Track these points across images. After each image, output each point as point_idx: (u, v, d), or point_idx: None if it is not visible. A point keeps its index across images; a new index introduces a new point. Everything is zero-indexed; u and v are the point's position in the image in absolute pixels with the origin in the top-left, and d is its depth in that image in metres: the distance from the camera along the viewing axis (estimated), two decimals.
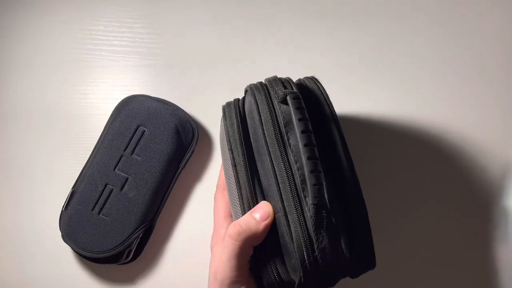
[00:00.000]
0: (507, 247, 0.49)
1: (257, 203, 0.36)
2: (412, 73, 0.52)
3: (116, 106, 0.50)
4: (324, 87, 0.40)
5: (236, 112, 0.39)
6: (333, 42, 0.52)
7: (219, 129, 0.42)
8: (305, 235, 0.33)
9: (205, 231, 0.48)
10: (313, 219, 0.33)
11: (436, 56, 0.52)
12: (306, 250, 0.33)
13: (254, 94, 0.38)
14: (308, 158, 0.33)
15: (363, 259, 0.35)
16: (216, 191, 0.44)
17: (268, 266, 0.36)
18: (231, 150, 0.38)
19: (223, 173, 0.43)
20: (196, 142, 0.49)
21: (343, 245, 0.34)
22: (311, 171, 0.33)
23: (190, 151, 0.49)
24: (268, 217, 0.35)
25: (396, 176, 0.50)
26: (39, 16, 0.53)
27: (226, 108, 0.40)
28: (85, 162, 0.49)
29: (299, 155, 0.34)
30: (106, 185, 0.47)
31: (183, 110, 0.49)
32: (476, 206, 0.49)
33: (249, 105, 0.39)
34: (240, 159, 0.37)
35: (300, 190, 0.34)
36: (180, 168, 0.48)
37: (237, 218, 0.38)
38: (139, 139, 0.48)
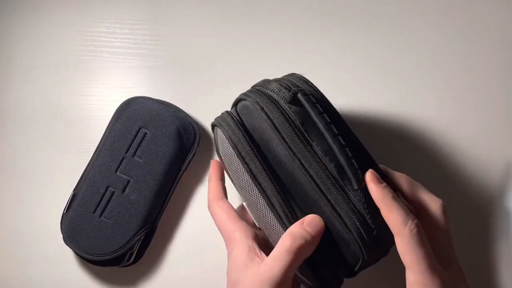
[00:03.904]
0: (508, 247, 0.49)
1: (291, 208, 0.36)
2: (412, 74, 0.52)
3: (118, 108, 0.49)
4: (317, 85, 0.40)
5: (237, 124, 0.38)
6: (336, 44, 0.52)
7: (218, 138, 0.40)
8: (360, 219, 0.35)
9: (207, 233, 0.48)
10: (363, 202, 0.35)
11: (436, 57, 0.52)
12: (364, 231, 0.35)
13: (258, 102, 0.37)
14: (341, 147, 0.35)
15: None
16: (209, 204, 0.41)
17: (327, 265, 0.36)
18: (245, 163, 0.37)
19: (213, 184, 0.42)
20: (198, 144, 0.49)
21: None
22: (347, 159, 0.35)
23: (192, 153, 0.48)
24: (321, 230, 0.35)
25: None
26: (40, 18, 0.53)
27: (223, 122, 0.39)
28: (86, 164, 0.49)
29: (327, 147, 0.36)
30: (107, 187, 0.47)
31: (184, 112, 0.49)
32: (476, 207, 0.49)
33: (248, 113, 0.38)
34: (259, 169, 0.37)
35: (339, 180, 0.35)
36: (182, 170, 0.48)
37: (271, 224, 0.37)
38: (141, 141, 0.47)
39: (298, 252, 0.35)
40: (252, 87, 0.41)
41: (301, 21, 0.53)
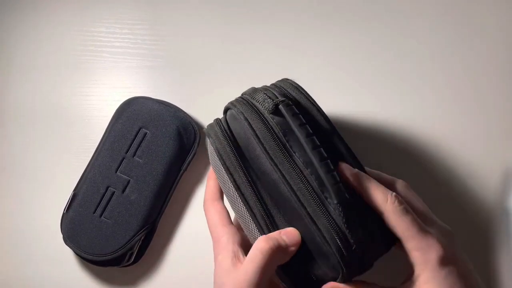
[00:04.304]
0: (508, 247, 0.49)
1: (272, 217, 0.37)
2: (411, 74, 0.51)
3: (118, 108, 0.49)
4: (310, 88, 0.40)
5: (224, 134, 0.38)
6: (336, 44, 0.52)
7: (208, 148, 0.41)
8: (339, 233, 0.34)
9: (207, 233, 0.48)
10: (342, 217, 0.34)
11: (436, 57, 0.52)
12: (343, 246, 0.34)
13: (242, 112, 0.38)
14: (320, 160, 0.35)
15: (384, 238, 0.37)
16: (204, 204, 0.42)
17: (307, 275, 0.36)
18: (230, 173, 0.37)
19: (211, 184, 0.42)
20: (198, 144, 0.49)
21: (370, 230, 0.36)
22: (327, 172, 0.35)
23: (192, 153, 0.48)
24: (296, 243, 0.36)
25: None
26: (40, 18, 0.53)
27: (211, 131, 0.39)
28: (86, 164, 0.49)
29: (308, 159, 0.35)
30: (107, 187, 0.47)
31: (184, 112, 0.49)
32: (476, 207, 0.49)
33: (235, 122, 0.38)
34: (243, 180, 0.37)
35: (319, 193, 0.35)
36: (182, 170, 0.48)
37: (252, 233, 0.38)
38: (141, 142, 0.47)
39: (271, 254, 0.35)
40: (241, 94, 0.41)
41: (301, 21, 0.53)
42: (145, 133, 0.48)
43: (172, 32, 0.52)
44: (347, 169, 0.37)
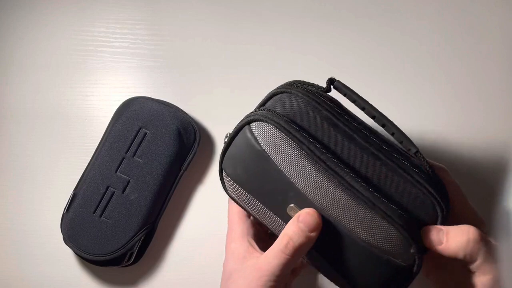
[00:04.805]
0: (508, 247, 0.49)
1: (366, 180, 0.35)
2: (412, 74, 0.52)
3: (118, 108, 0.49)
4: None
5: (278, 114, 0.36)
6: (336, 44, 0.52)
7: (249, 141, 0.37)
8: (427, 175, 0.36)
9: (207, 233, 0.48)
10: (426, 162, 0.37)
11: (436, 57, 0.52)
12: (434, 188, 0.36)
13: (300, 92, 0.37)
14: (388, 121, 0.38)
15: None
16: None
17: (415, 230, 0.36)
18: (304, 144, 0.35)
19: None
20: (198, 144, 0.49)
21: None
22: (397, 128, 0.37)
23: (192, 153, 0.48)
24: (316, 226, 0.35)
25: None
26: (40, 18, 0.53)
27: (262, 116, 0.36)
28: (86, 164, 0.49)
29: (379, 123, 0.37)
30: (107, 187, 0.47)
31: (184, 112, 0.49)
32: (476, 206, 0.49)
33: (287, 103, 0.37)
34: (321, 150, 0.35)
35: (401, 148, 0.38)
36: (182, 170, 0.48)
37: (341, 207, 0.35)
38: (141, 142, 0.47)
39: (293, 253, 0.35)
40: (278, 88, 0.39)
41: (301, 22, 0.52)
42: (145, 133, 0.48)
43: (172, 32, 0.52)
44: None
